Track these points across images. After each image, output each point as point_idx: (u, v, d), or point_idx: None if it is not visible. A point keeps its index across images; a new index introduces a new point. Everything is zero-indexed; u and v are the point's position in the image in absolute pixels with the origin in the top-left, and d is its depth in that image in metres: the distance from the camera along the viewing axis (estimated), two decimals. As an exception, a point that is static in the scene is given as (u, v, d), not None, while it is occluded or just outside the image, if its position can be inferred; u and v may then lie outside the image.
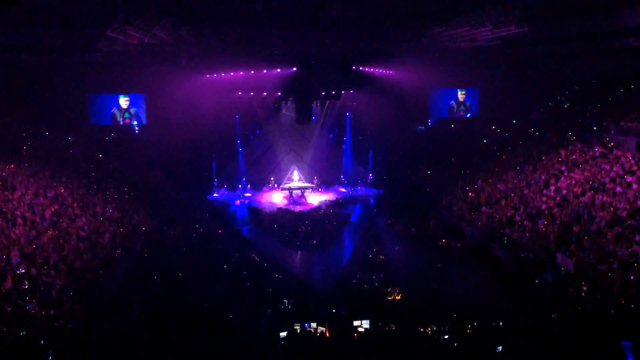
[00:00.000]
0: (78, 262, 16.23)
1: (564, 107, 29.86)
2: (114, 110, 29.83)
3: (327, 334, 12.83)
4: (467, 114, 32.46)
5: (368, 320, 13.35)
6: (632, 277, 13.86)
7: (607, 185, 19.42)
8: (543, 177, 22.74)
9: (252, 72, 28.18)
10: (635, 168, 19.69)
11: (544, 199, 20.70)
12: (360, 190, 31.38)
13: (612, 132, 23.33)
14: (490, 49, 22.54)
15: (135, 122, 30.30)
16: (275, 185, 31.51)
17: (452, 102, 32.39)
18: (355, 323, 13.28)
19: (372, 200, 30.02)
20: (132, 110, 29.96)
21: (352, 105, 32.37)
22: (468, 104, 32.36)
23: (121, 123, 30.09)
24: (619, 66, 26.04)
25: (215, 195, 30.73)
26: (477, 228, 21.98)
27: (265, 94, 30.06)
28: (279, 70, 27.08)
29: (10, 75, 25.52)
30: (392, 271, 17.93)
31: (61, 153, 27.03)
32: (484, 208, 22.93)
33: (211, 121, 30.08)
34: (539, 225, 19.03)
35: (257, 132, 32.63)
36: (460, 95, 32.38)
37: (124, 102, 29.97)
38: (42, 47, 21.72)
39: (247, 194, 30.64)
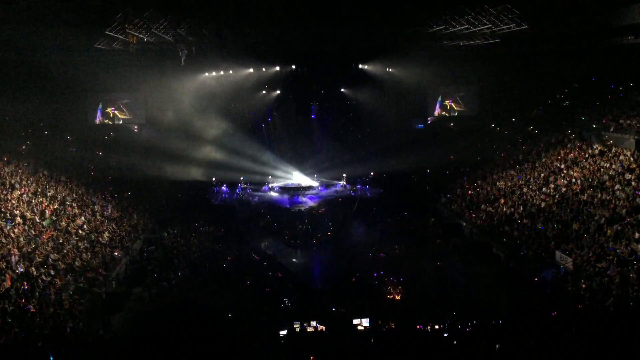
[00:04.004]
0: (78, 261, 16.24)
1: (564, 105, 29.82)
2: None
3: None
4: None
5: (368, 319, 13.37)
6: (631, 275, 13.85)
7: (607, 183, 19.38)
8: (542, 175, 22.72)
9: (251, 70, 28.20)
10: (634, 166, 19.65)
11: (543, 196, 20.69)
12: (360, 189, 31.36)
13: (611, 129, 23.29)
14: (489, 47, 22.52)
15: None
16: (275, 185, 31.50)
17: (448, 100, 32.50)
18: (355, 321, 13.30)
19: (372, 200, 29.98)
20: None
21: (352, 104, 32.34)
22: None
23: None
24: (619, 64, 25.99)
25: (214, 194, 30.67)
26: (476, 226, 21.98)
27: (265, 92, 30.03)
28: (278, 68, 27.01)
29: (10, 75, 25.50)
30: (391, 269, 17.95)
31: (60, 153, 26.99)
32: (483, 206, 22.92)
33: (211, 121, 30.07)
34: (538, 223, 19.02)
35: (257, 131, 32.61)
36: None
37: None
38: (43, 47, 21.73)
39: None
